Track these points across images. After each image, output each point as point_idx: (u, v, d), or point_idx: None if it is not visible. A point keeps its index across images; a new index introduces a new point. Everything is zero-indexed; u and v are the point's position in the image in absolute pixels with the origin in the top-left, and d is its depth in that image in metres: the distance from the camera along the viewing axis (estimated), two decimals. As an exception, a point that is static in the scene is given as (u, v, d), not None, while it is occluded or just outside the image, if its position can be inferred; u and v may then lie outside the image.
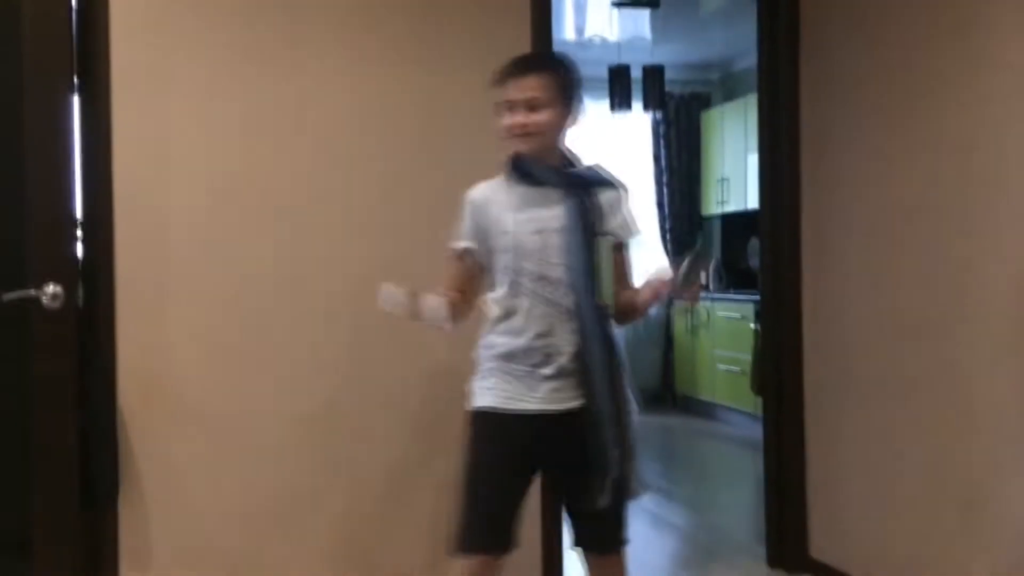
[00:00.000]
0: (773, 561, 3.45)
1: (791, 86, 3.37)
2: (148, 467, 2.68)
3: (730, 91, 7.27)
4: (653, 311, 2.09)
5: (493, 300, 2.11)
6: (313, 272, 2.82)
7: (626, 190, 2.19)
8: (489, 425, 2.09)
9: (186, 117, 2.73)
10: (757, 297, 5.43)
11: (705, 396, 6.81)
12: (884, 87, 2.97)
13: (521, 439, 2.07)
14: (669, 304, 7.33)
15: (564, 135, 2.14)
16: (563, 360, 2.05)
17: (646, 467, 5.45)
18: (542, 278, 2.04)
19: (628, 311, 2.14)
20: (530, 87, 2.07)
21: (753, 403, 5.89)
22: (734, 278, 7.03)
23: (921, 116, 2.82)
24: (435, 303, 2.03)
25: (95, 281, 2.62)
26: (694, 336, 6.94)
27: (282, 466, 2.80)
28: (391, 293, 2.02)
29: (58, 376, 2.52)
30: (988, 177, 2.58)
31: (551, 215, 2.06)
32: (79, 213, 2.61)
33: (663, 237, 7.35)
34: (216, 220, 2.75)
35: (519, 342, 2.05)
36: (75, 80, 2.58)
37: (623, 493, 2.08)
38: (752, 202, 6.42)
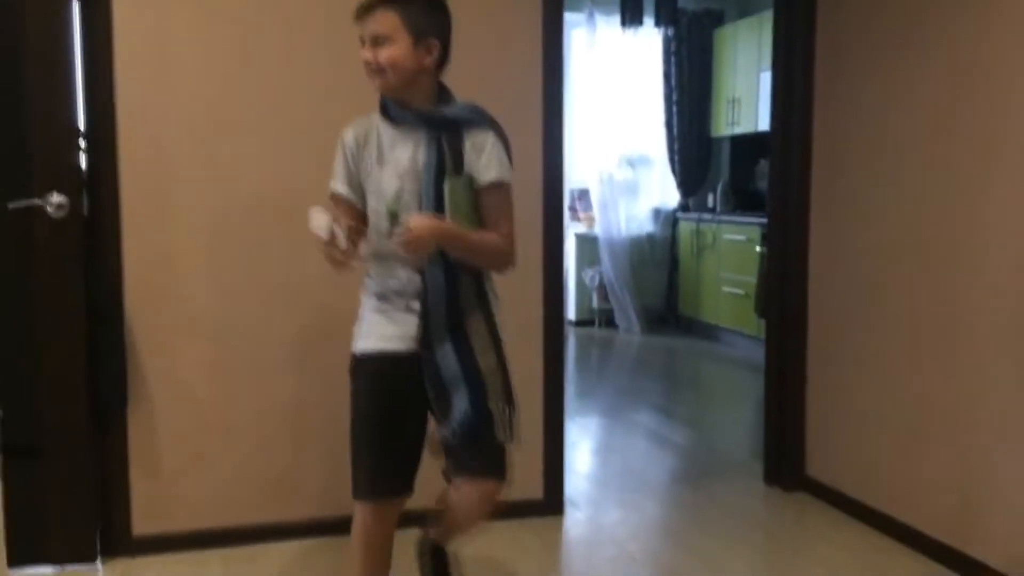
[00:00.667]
0: (770, 478, 3.52)
1: (808, 2, 3.29)
2: (156, 376, 2.72)
3: (744, 7, 7.10)
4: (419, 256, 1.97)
5: (366, 241, 2.05)
6: (318, 184, 2.80)
7: (498, 131, 2.05)
8: (362, 370, 2.07)
9: (189, 25, 2.68)
10: (764, 220, 5.42)
11: (709, 318, 6.84)
12: (902, 8, 2.90)
13: (398, 380, 2.05)
14: (675, 225, 7.32)
15: (430, 71, 1.99)
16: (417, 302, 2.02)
17: (646, 386, 5.50)
18: (400, 222, 1.96)
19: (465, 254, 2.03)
20: (375, 21, 1.95)
21: (756, 326, 5.92)
22: (741, 200, 6.99)
23: (939, 38, 2.76)
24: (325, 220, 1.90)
25: (99, 190, 2.62)
26: (699, 258, 6.94)
27: (289, 375, 2.84)
28: (318, 217, 1.90)
29: (65, 286, 2.54)
30: (1006, 100, 2.54)
31: (409, 156, 2.00)
32: (82, 122, 2.59)
33: (671, 158, 7.28)
34: (219, 129, 2.73)
35: (391, 283, 2.03)
36: (76, -14, 2.54)
37: (474, 433, 2.01)
38: (763, 124, 6.33)
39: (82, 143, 2.59)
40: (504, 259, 2.06)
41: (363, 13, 1.96)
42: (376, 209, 2.02)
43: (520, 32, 2.94)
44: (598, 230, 7.17)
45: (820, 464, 3.36)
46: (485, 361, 2.03)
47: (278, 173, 2.78)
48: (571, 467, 3.66)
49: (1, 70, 2.53)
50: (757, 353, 5.05)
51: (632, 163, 7.35)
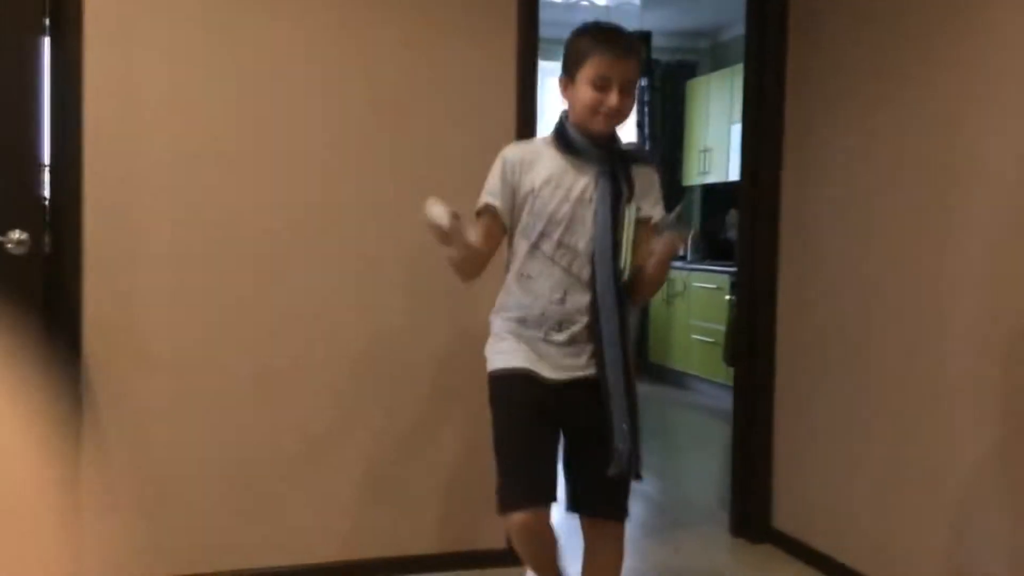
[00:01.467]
0: (736, 530, 3.49)
1: (778, 57, 3.34)
2: (112, 416, 2.66)
3: (717, 61, 7.22)
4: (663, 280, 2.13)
5: (512, 262, 2.10)
6: (282, 224, 2.79)
7: (659, 169, 2.19)
8: (507, 386, 2.07)
9: (158, 63, 2.67)
10: (734, 269, 5.45)
11: (678, 366, 6.84)
12: (872, 64, 2.95)
13: (539, 397, 2.06)
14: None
15: None
16: (575, 328, 2.04)
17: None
18: (564, 246, 2.02)
19: (645, 284, 2.12)
20: (631, 69, 2.02)
21: (725, 374, 5.92)
22: (712, 249, 7.03)
23: (908, 94, 2.81)
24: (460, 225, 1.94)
25: (62, 228, 2.57)
26: (669, 306, 6.96)
27: (244, 418, 2.79)
28: (437, 208, 1.91)
29: (23, 324, 2.48)
30: (969, 157, 2.58)
31: (584, 186, 2.03)
32: (47, 158, 2.55)
33: (643, 205, 7.32)
34: (186, 168, 2.71)
35: (535, 306, 2.04)
36: (46, 22, 2.52)
37: (630, 467, 2.07)
38: (733, 174, 6.41)
39: (46, 178, 2.55)
40: (656, 290, 2.21)
41: (623, 55, 2.00)
42: (535, 231, 2.02)
43: (494, 78, 2.94)
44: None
45: (788, 516, 3.34)
46: (636, 398, 2.09)
47: (244, 209, 2.76)
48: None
49: (-34, 103, 2.50)
50: (727, 401, 5.05)
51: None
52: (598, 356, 2.03)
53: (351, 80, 2.84)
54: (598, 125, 2.03)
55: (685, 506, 3.97)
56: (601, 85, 1.99)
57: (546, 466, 2.07)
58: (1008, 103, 2.44)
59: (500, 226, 2.10)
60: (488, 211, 2.09)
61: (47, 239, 2.54)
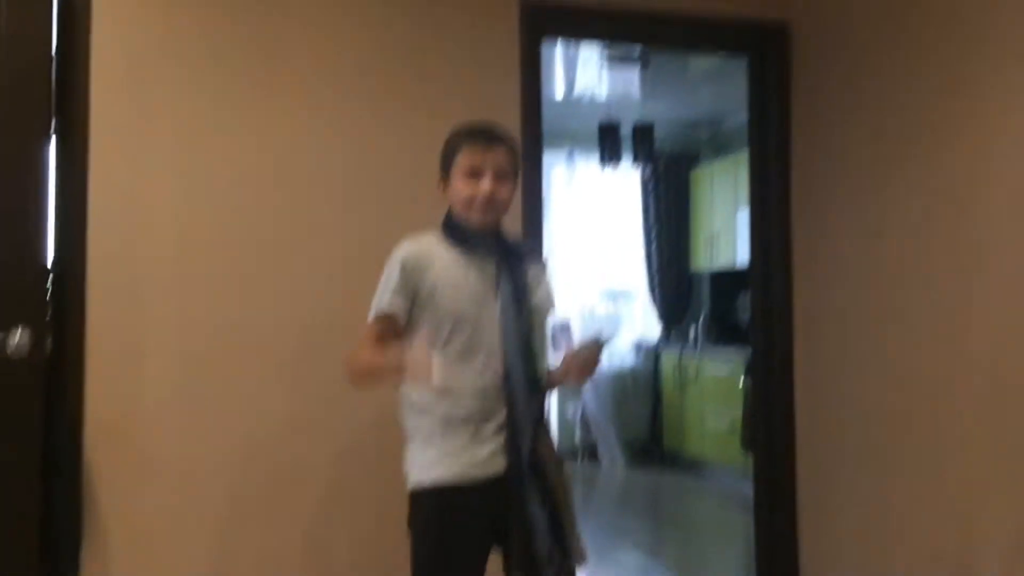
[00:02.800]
0: (763, 627, 3.35)
1: (782, 141, 3.35)
2: (114, 523, 2.58)
3: (719, 148, 7.30)
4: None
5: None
6: (286, 326, 2.76)
7: (546, 263, 2.20)
8: (444, 501, 1.96)
9: (164, 166, 2.69)
10: (746, 353, 5.38)
11: (694, 453, 6.70)
12: (875, 143, 2.96)
13: (479, 509, 1.96)
14: (657, 359, 7.28)
15: None
16: (495, 425, 1.97)
17: (631, 524, 5.33)
18: (475, 346, 1.97)
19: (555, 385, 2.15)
20: (502, 156, 2.02)
21: (742, 460, 5.79)
22: (723, 334, 6.97)
23: (912, 172, 2.80)
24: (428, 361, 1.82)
25: (65, 329, 2.55)
26: (683, 392, 6.86)
27: (252, 526, 2.71)
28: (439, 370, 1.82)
29: (23, 428, 2.43)
30: (979, 234, 2.55)
31: (483, 282, 2.01)
32: (51, 259, 2.54)
33: (652, 292, 7.31)
34: (190, 271, 2.69)
35: (459, 405, 1.96)
36: (53, 125, 2.55)
37: (564, 561, 1.97)
38: (741, 259, 6.40)
39: (49, 279, 2.54)
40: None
41: (488, 143, 2.01)
42: (444, 330, 1.96)
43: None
44: (580, 363, 7.10)
45: (816, 610, 3.20)
46: (562, 486, 2.01)
47: (251, 314, 2.73)
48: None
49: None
50: (744, 488, 4.91)
51: (612, 297, 7.37)
52: (514, 452, 1.95)
53: (357, 172, 2.85)
54: (476, 214, 2.01)
55: (708, 602, 3.82)
56: (473, 174, 2.00)
57: None
58: (1020, 174, 2.43)
59: (396, 328, 2.00)
60: (386, 317, 2.01)
61: (49, 340, 2.51)
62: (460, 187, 2.01)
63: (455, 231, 2.04)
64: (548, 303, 2.11)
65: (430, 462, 1.97)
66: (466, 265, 2.01)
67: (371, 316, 2.02)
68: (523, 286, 2.04)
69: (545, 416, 2.07)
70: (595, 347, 2.04)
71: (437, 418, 1.97)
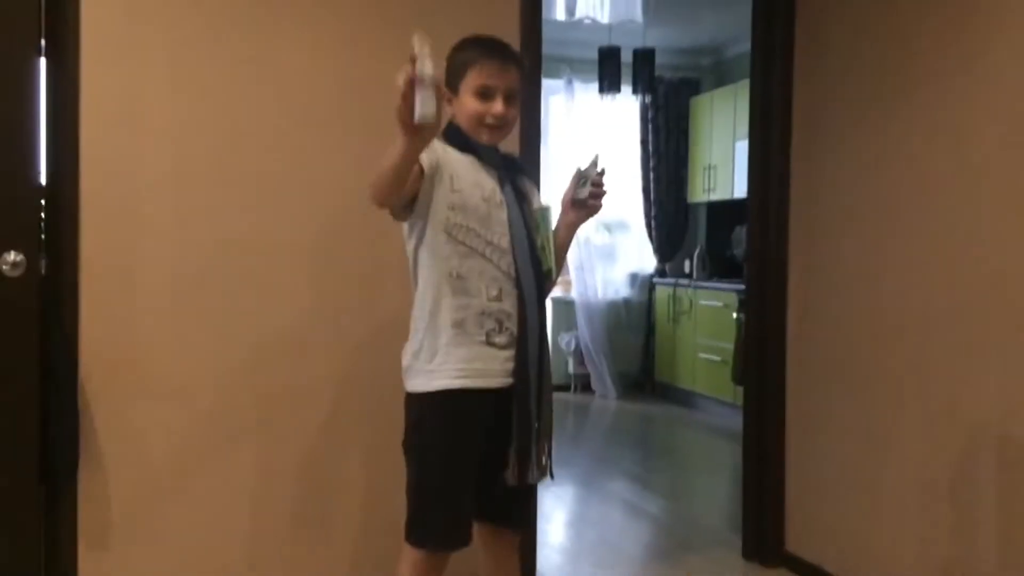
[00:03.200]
0: (748, 553, 3.42)
1: (784, 71, 3.30)
2: (110, 441, 2.60)
3: (721, 77, 7.21)
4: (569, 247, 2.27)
5: (434, 265, 1.98)
6: (284, 244, 2.74)
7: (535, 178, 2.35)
8: (446, 409, 1.98)
9: (156, 82, 2.63)
10: (741, 286, 5.39)
11: (685, 385, 6.78)
12: (879, 76, 2.91)
13: (480, 420, 2.00)
14: (651, 291, 7.30)
15: None
16: (512, 328, 2.00)
17: (622, 454, 5.42)
18: (492, 245, 2.00)
19: (560, 260, 2.21)
20: (513, 77, 2.02)
21: (733, 393, 5.86)
22: (718, 267, 6.99)
23: (915, 106, 2.76)
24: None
25: (59, 249, 2.52)
26: (676, 324, 6.91)
27: (253, 440, 2.73)
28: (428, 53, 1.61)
29: (19, 346, 2.44)
30: (978, 168, 2.53)
31: (491, 187, 2.04)
32: (43, 179, 2.51)
33: (648, 223, 7.29)
34: (185, 189, 2.66)
35: (472, 305, 1.97)
36: (42, 43, 2.48)
37: (541, 473, 2.05)
38: (738, 191, 6.37)
39: (42, 200, 2.51)
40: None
41: (503, 63, 2.00)
42: (459, 225, 1.97)
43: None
44: (574, 294, 7.13)
45: (801, 539, 3.26)
46: (549, 400, 2.05)
47: (244, 230, 2.71)
48: (544, 540, 3.54)
49: (-38, 124, 2.47)
50: (734, 421, 4.97)
51: (609, 228, 7.36)
52: (522, 356, 1.98)
53: (354, 97, 2.80)
54: (484, 136, 2.02)
55: (695, 528, 3.90)
56: (485, 93, 1.99)
57: (470, 506, 2.02)
58: (1020, 112, 2.40)
59: (418, 172, 1.91)
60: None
61: (44, 261, 2.49)
62: (469, 104, 2.00)
63: (463, 139, 2.04)
64: (546, 208, 2.19)
65: (439, 369, 1.97)
66: (475, 168, 2.04)
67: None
68: (525, 193, 2.11)
69: (545, 323, 2.11)
70: (593, 171, 2.14)
71: (450, 322, 1.97)
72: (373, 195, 1.89)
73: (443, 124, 1.97)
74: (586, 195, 2.13)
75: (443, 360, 1.97)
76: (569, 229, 2.21)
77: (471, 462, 2.01)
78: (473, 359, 1.97)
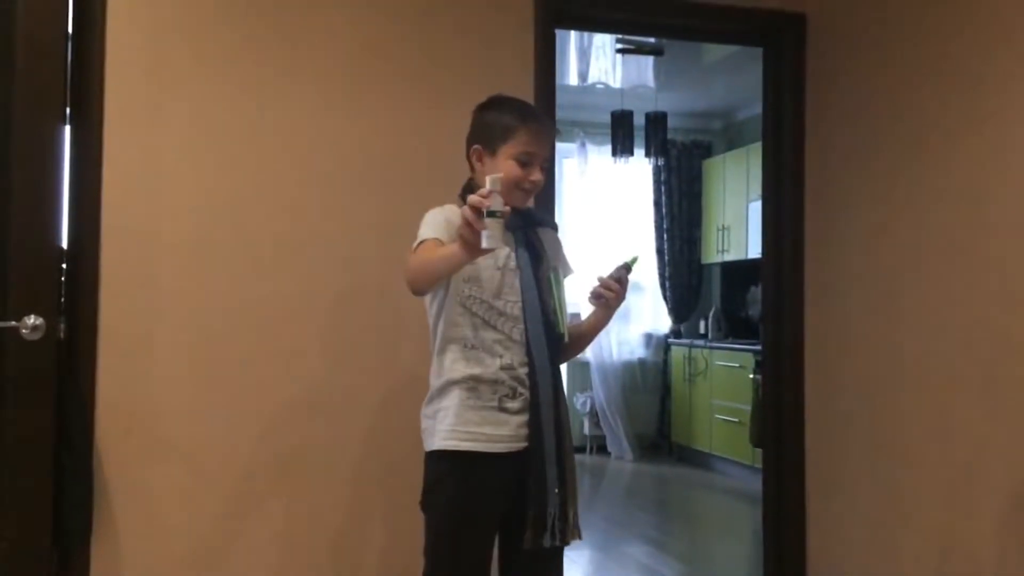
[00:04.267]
0: (770, 620, 3.34)
1: (796, 134, 3.33)
2: (123, 504, 2.59)
3: (732, 140, 7.27)
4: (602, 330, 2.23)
5: (449, 334, 2.02)
6: (302, 308, 2.76)
7: (556, 228, 2.25)
8: (460, 470, 1.99)
9: (178, 150, 2.69)
10: (757, 347, 5.36)
11: (702, 446, 6.70)
12: (890, 137, 2.94)
13: (497, 483, 2.00)
14: (667, 351, 7.26)
15: None
16: (526, 393, 2.01)
17: (638, 517, 5.32)
18: (502, 313, 2.02)
19: (579, 340, 2.19)
20: (551, 145, 2.10)
21: (751, 454, 5.79)
22: (733, 327, 6.96)
23: (928, 166, 2.78)
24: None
25: (78, 313, 2.55)
26: (691, 385, 6.85)
27: (267, 506, 2.71)
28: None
29: (34, 409, 2.44)
30: (990, 232, 2.53)
31: (505, 253, 2.04)
32: (65, 243, 2.55)
33: (662, 284, 7.30)
34: (203, 255, 2.70)
35: (486, 374, 1.99)
36: (67, 110, 2.54)
37: (563, 535, 2.02)
38: (752, 251, 6.38)
39: (63, 264, 2.54)
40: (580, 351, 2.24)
41: (547, 134, 2.07)
42: (471, 296, 2.00)
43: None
44: (589, 355, 7.11)
45: (823, 605, 3.19)
46: (571, 462, 2.04)
47: (263, 297, 2.73)
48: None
49: (-14, 190, 2.52)
50: (753, 483, 4.91)
51: (624, 289, 7.35)
52: (533, 418, 1.99)
53: (372, 162, 2.84)
54: (519, 200, 2.05)
55: (715, 594, 3.81)
56: (526, 161, 2.03)
57: (487, 563, 2.02)
58: (1034, 175, 2.41)
59: None
60: (433, 241, 1.98)
61: (62, 325, 2.51)
62: (508, 169, 2.01)
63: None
64: (566, 267, 2.20)
65: (452, 431, 2.00)
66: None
67: (420, 241, 1.99)
68: (540, 253, 2.10)
69: (562, 387, 2.10)
70: (621, 271, 2.10)
71: (464, 387, 2.00)
72: (414, 286, 1.95)
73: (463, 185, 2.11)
74: (595, 291, 2.10)
75: (455, 423, 2.00)
76: (594, 324, 2.18)
77: (486, 524, 2.02)
78: (483, 423, 1.99)
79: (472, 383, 1.99)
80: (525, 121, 2.03)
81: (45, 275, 2.49)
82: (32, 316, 2.39)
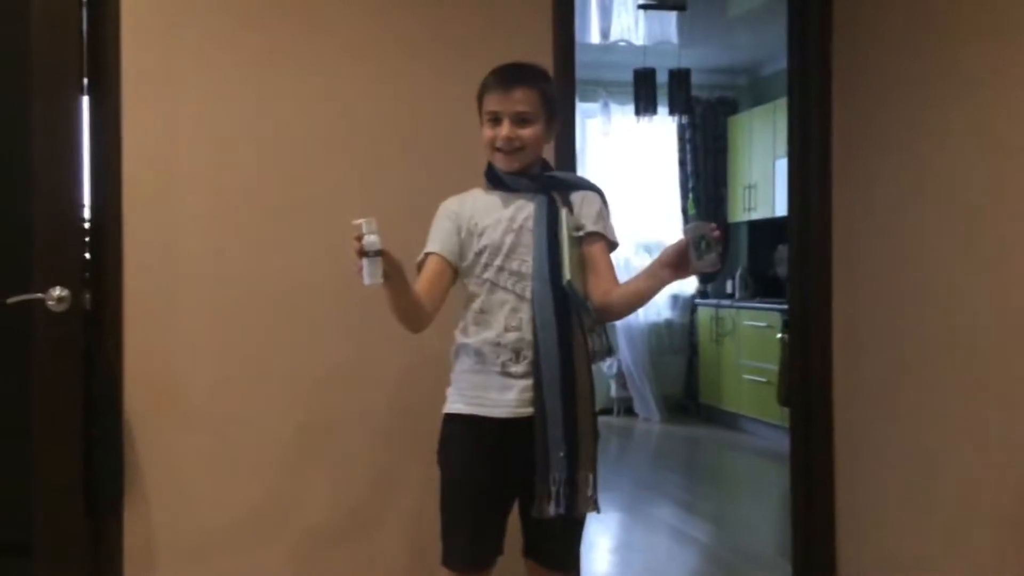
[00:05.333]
0: (799, 580, 3.34)
1: (823, 88, 3.26)
2: (153, 472, 2.63)
3: (757, 96, 7.16)
4: (658, 296, 2.10)
5: (467, 309, 2.08)
6: (323, 278, 2.75)
7: (603, 195, 2.16)
8: (461, 430, 2.04)
9: (197, 120, 2.67)
10: (784, 306, 5.32)
11: (730, 406, 6.69)
12: (919, 90, 2.86)
13: (496, 441, 2.01)
14: (693, 312, 7.22)
15: (542, 148, 2.13)
16: (523, 366, 2.00)
17: (667, 478, 5.34)
18: (513, 273, 2.03)
19: (628, 301, 2.03)
20: (520, 100, 2.04)
21: (779, 414, 5.77)
22: (761, 286, 6.91)
23: (957, 120, 2.71)
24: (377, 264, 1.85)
25: (102, 284, 2.56)
26: (719, 345, 6.82)
27: (289, 472, 2.74)
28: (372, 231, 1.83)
29: (63, 380, 2.47)
30: (1023, 180, 2.47)
31: (525, 215, 2.05)
32: (87, 216, 2.56)
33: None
34: (226, 224, 2.69)
35: (489, 335, 2.01)
36: (85, 81, 2.54)
37: (571, 504, 1.95)
38: (779, 209, 6.30)
39: (86, 236, 2.55)
40: (627, 311, 2.13)
41: (506, 89, 2.03)
42: (486, 265, 2.03)
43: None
44: (615, 317, 7.08)
45: (853, 563, 3.18)
46: (584, 426, 1.98)
47: (286, 267, 2.73)
48: (588, 568, 3.49)
49: (8, 163, 2.52)
50: (781, 442, 4.89)
51: (649, 249, 7.31)
52: (536, 379, 1.96)
53: (392, 132, 2.82)
54: (499, 161, 2.07)
55: (743, 555, 3.82)
56: (494, 120, 2.05)
57: (491, 525, 2.03)
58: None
59: (444, 270, 2.07)
60: (429, 259, 2.09)
61: (88, 296, 2.53)
62: (484, 131, 2.08)
63: (492, 176, 2.12)
64: (598, 224, 2.07)
65: (459, 394, 2.06)
66: (503, 204, 2.08)
67: (419, 260, 2.12)
68: (553, 209, 2.04)
69: (580, 345, 2.00)
70: (702, 234, 1.80)
71: (471, 351, 2.04)
72: (407, 329, 2.05)
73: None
74: (714, 261, 1.80)
75: (463, 386, 2.05)
76: (656, 281, 1.93)
77: (492, 486, 2.03)
78: (488, 387, 2.01)
79: (478, 348, 2.02)
80: (489, 83, 2.07)
81: (69, 247, 2.50)
82: (58, 288, 2.40)
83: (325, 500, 2.76)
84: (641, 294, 1.99)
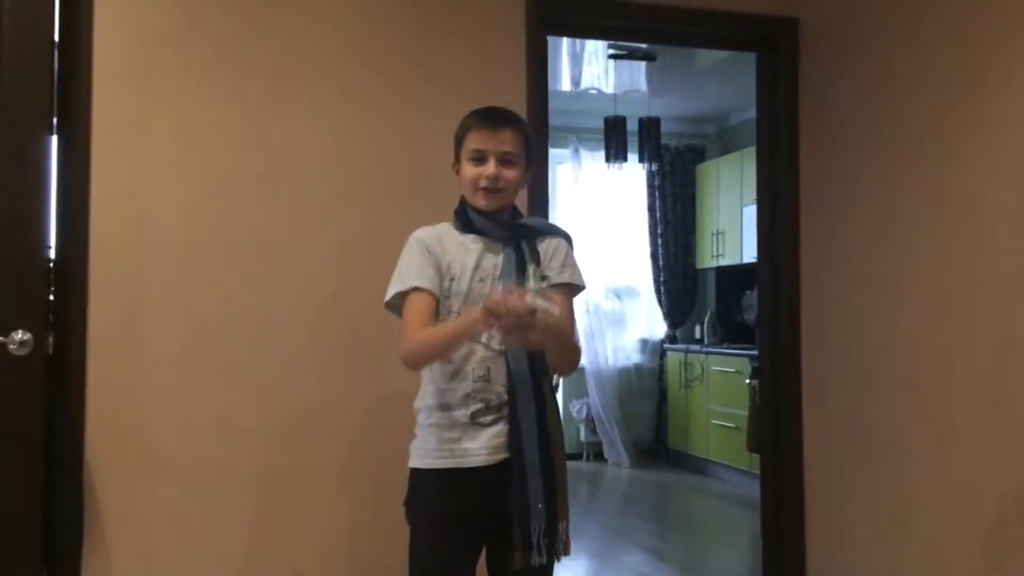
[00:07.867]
0: (770, 629, 3.32)
1: (790, 138, 3.32)
2: (113, 521, 2.56)
3: (726, 144, 7.26)
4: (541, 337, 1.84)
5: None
6: (290, 320, 2.73)
7: (569, 240, 2.14)
8: (435, 486, 1.98)
9: (166, 161, 2.66)
10: (753, 352, 5.34)
11: (699, 452, 6.67)
12: (885, 141, 2.92)
13: (466, 490, 1.97)
14: (662, 357, 7.25)
15: (517, 195, 2.11)
16: (493, 415, 1.97)
17: (636, 524, 5.29)
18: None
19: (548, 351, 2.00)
20: (507, 140, 2.03)
21: (748, 460, 5.76)
22: (728, 332, 6.94)
23: (922, 170, 2.76)
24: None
25: (66, 328, 2.52)
26: (688, 390, 6.83)
27: (251, 523, 2.68)
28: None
29: (23, 425, 2.41)
30: (986, 235, 2.52)
31: (492, 263, 2.02)
32: (53, 256, 2.52)
33: (657, 289, 7.28)
34: (192, 268, 2.67)
35: (459, 388, 1.97)
36: (54, 122, 2.51)
37: (552, 552, 1.95)
38: (747, 256, 6.37)
39: (51, 278, 2.51)
40: (577, 360, 2.10)
41: (494, 128, 2.02)
42: (453, 312, 1.97)
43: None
44: (584, 361, 7.08)
45: (823, 612, 3.17)
46: (560, 476, 1.97)
47: (250, 306, 2.71)
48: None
49: (-27, 203, 2.48)
50: (750, 488, 4.88)
51: (618, 294, 7.34)
52: (513, 431, 1.94)
53: (357, 172, 2.82)
54: (480, 200, 2.03)
55: (714, 602, 3.78)
56: (478, 157, 2.02)
57: None
58: (1031, 177, 2.39)
59: (433, 305, 1.99)
60: (420, 294, 1.98)
61: (50, 339, 2.48)
62: (466, 170, 2.04)
63: (464, 217, 2.06)
64: (560, 273, 2.06)
65: (427, 448, 2.00)
66: (475, 249, 2.03)
67: (398, 292, 2.00)
68: (521, 259, 2.02)
69: (551, 396, 2.01)
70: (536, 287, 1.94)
71: (439, 405, 1.99)
72: (411, 363, 1.99)
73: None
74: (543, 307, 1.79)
75: (430, 441, 1.99)
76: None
77: (464, 537, 1.99)
78: (458, 439, 1.97)
79: (445, 400, 1.98)
80: (475, 121, 2.05)
81: (33, 289, 2.46)
82: (20, 331, 2.35)
83: (290, 547, 2.70)
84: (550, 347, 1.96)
